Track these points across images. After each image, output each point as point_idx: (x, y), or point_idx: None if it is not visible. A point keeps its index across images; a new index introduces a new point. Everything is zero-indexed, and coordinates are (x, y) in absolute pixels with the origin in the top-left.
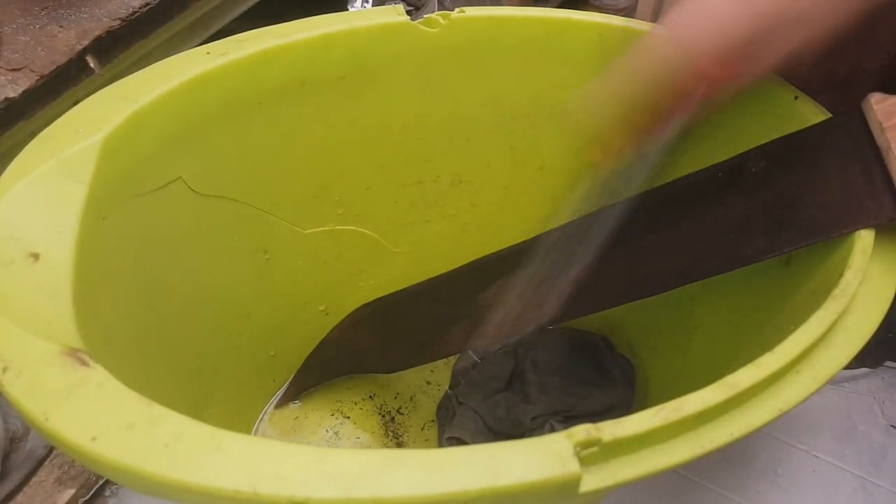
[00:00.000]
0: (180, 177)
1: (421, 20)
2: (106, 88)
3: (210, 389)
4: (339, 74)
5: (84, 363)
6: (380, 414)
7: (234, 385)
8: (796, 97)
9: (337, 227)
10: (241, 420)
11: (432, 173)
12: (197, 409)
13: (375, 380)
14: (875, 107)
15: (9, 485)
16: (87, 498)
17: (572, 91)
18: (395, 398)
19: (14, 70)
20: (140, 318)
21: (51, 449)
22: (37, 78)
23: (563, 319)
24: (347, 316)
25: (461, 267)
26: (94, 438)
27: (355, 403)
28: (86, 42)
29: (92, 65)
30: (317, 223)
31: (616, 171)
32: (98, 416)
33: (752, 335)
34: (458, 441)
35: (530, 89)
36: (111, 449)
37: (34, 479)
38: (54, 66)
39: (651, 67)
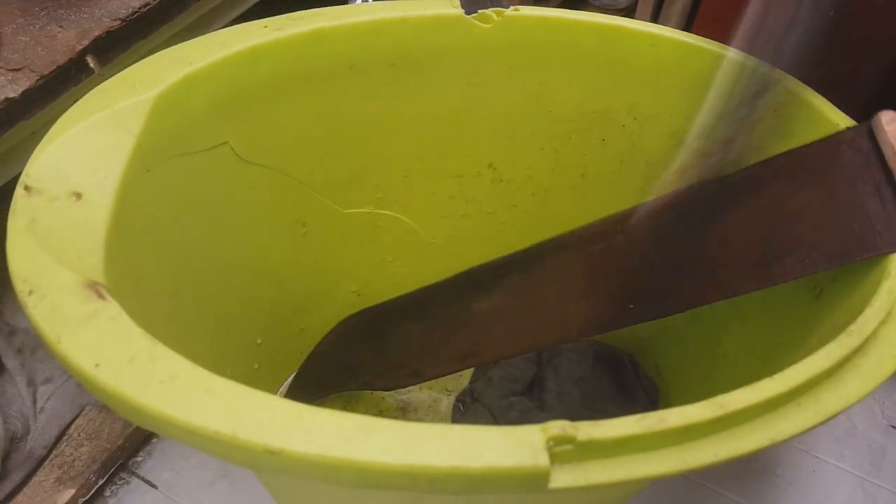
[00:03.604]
0: (227, 141)
1: (475, 15)
2: (164, 51)
3: (237, 350)
4: (388, 61)
5: (101, 296)
6: (395, 400)
7: (261, 351)
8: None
9: (375, 211)
10: (262, 385)
11: (473, 168)
12: (220, 365)
13: None
14: (886, 127)
15: (9, 485)
16: (86, 498)
17: (621, 99)
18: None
19: (14, 70)
20: (174, 271)
21: (51, 449)
22: (37, 78)
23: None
24: (334, 327)
25: (453, 277)
26: (97, 365)
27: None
28: (86, 42)
29: (92, 65)
30: (356, 204)
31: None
32: (105, 345)
33: (776, 370)
34: None
35: (577, 94)
36: (111, 377)
37: (34, 479)
38: (54, 67)
39: None
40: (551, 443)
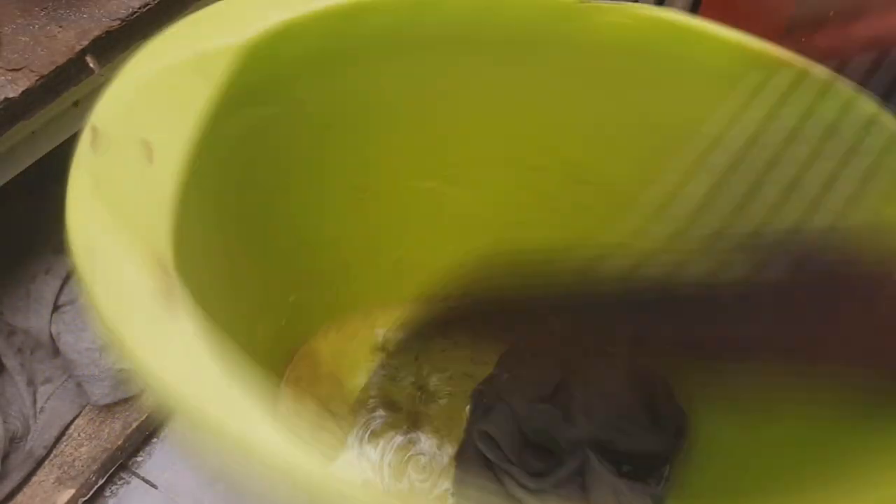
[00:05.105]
0: (307, 98)
1: (594, 4)
2: None
3: (271, 306)
4: (506, 38)
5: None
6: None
7: (291, 308)
8: None
9: (440, 187)
10: (287, 342)
11: (548, 163)
12: (253, 322)
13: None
14: None
15: (9, 485)
16: (86, 498)
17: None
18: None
19: (14, 70)
20: (234, 222)
21: (51, 449)
22: (36, 78)
23: None
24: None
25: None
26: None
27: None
28: (85, 42)
29: (91, 65)
30: (423, 177)
31: None
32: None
33: (826, 469)
34: (488, 435)
35: (685, 110)
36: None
37: (34, 478)
38: (54, 67)
39: None
40: None
